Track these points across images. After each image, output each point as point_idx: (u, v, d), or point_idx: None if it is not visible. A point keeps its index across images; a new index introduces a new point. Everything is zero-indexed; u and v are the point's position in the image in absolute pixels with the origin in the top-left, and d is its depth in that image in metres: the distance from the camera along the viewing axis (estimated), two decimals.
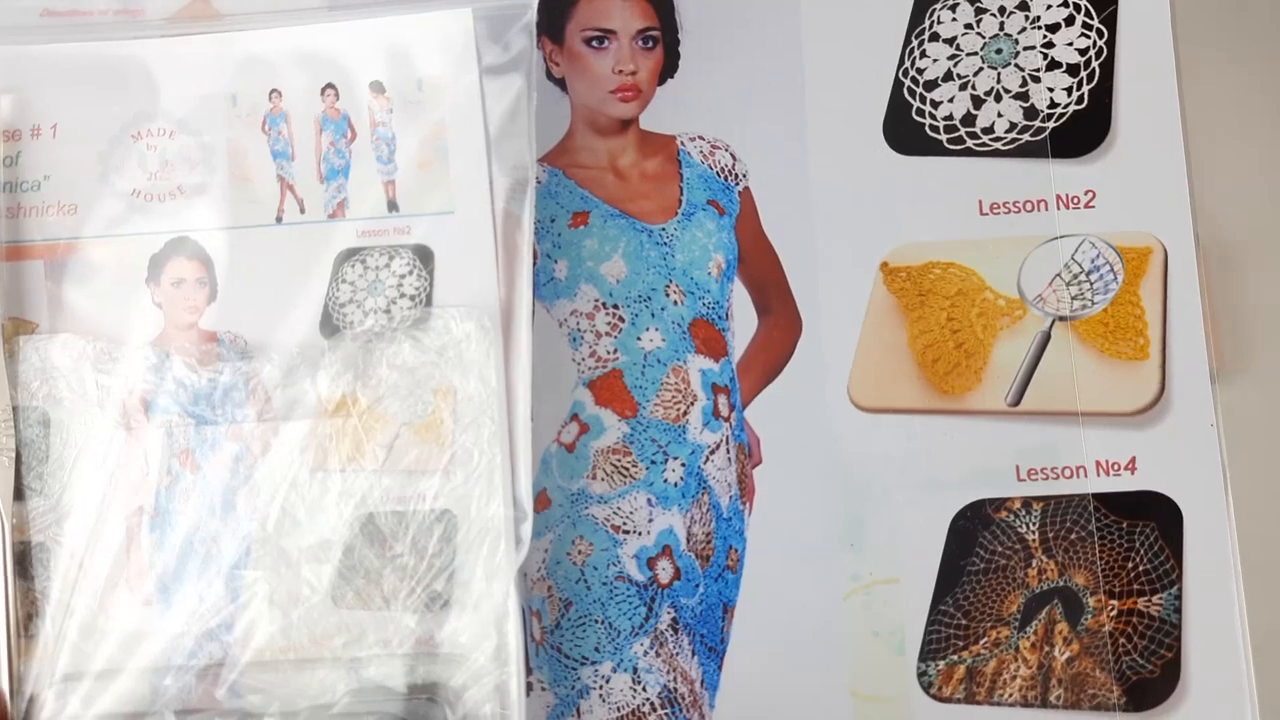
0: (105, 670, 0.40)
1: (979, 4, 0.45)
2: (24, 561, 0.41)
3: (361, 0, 0.42)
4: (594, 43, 0.45)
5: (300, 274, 0.41)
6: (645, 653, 0.43)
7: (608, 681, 0.42)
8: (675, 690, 0.42)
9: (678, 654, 0.43)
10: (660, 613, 0.43)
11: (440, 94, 0.41)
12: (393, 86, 0.41)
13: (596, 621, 0.43)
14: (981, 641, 0.42)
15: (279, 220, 0.41)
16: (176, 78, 0.41)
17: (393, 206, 0.41)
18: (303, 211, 0.41)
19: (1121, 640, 0.42)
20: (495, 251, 0.41)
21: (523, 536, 0.40)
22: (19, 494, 0.41)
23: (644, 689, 0.42)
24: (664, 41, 0.45)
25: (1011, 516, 0.43)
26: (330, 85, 0.41)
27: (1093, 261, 0.44)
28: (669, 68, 0.45)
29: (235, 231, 0.41)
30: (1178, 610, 0.42)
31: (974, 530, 0.43)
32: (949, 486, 0.43)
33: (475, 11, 0.40)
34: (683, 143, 0.45)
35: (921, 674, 0.42)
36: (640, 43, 0.45)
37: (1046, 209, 0.44)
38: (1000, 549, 0.43)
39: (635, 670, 0.42)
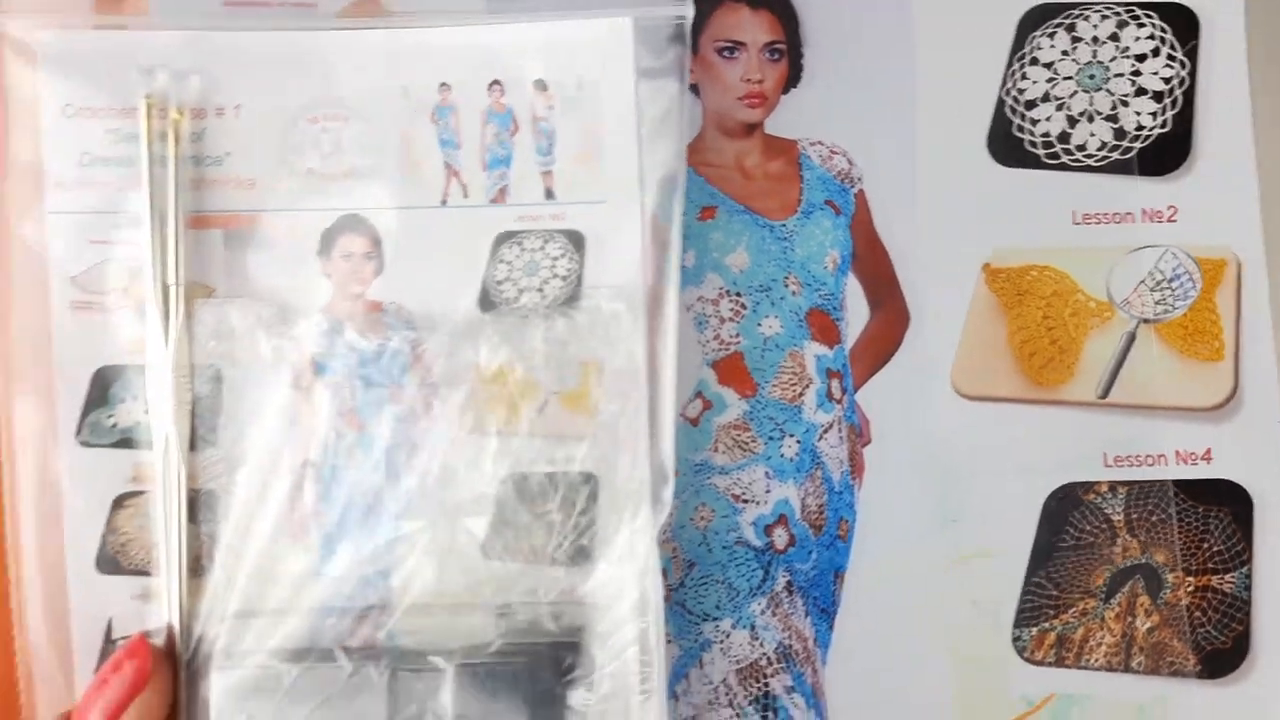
0: (272, 610, 0.43)
1: (1075, 33, 0.49)
2: (194, 507, 0.44)
3: (519, 7, 0.45)
4: (725, 53, 0.48)
5: (461, 253, 0.45)
6: (762, 611, 0.46)
7: (728, 636, 0.46)
8: (790, 647, 0.46)
9: (792, 614, 0.46)
10: (776, 575, 0.47)
11: (598, 93, 0.44)
12: (555, 85, 0.44)
13: (717, 582, 0.46)
14: (1070, 611, 0.46)
15: (444, 203, 0.45)
16: (351, 68, 0.44)
17: (549, 194, 0.45)
18: (466, 196, 0.45)
19: (1197, 614, 0.46)
20: (642, 239, 0.44)
21: (664, 499, 0.44)
22: (192, 444, 0.44)
23: (761, 644, 0.46)
24: (789, 54, 0.49)
25: (1099, 499, 0.47)
26: (497, 81, 0.44)
27: (1174, 270, 0.48)
28: (793, 78, 0.49)
29: (403, 211, 0.45)
30: (1248, 588, 0.46)
31: (1065, 510, 0.47)
32: (1042, 470, 0.47)
33: (635, 20, 0.44)
34: (804, 147, 0.49)
35: (1016, 639, 0.46)
36: (767, 54, 0.49)
37: (1133, 221, 0.48)
38: (1088, 528, 0.47)
39: (753, 627, 0.46)
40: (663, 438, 0.44)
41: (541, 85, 0.45)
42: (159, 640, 0.43)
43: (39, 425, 0.44)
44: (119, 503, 0.44)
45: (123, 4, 0.44)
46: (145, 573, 0.44)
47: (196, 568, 0.44)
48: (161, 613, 0.43)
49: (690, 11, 0.44)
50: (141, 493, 0.44)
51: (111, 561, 0.44)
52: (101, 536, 0.44)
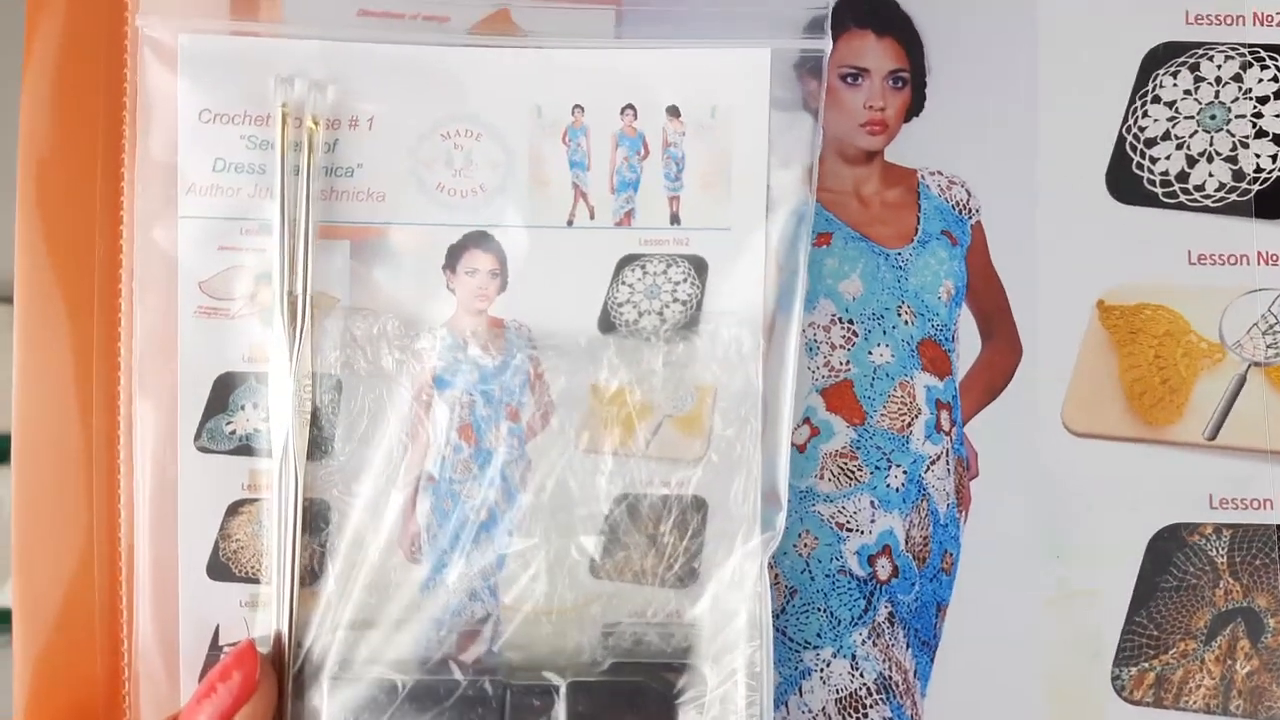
0: (385, 622, 0.43)
1: (1198, 73, 0.49)
2: (308, 516, 0.44)
3: (648, 31, 0.45)
4: (848, 79, 0.48)
5: (585, 274, 0.45)
6: (863, 642, 0.47)
7: (828, 665, 0.46)
8: (890, 678, 0.46)
9: (893, 645, 0.47)
10: (878, 606, 0.47)
11: (731, 122, 0.44)
12: (687, 112, 0.44)
13: (819, 610, 0.47)
14: (1171, 652, 0.47)
15: (570, 224, 0.45)
16: (485, 85, 0.44)
17: (675, 220, 0.45)
18: (592, 218, 0.45)
19: None
20: (765, 268, 0.45)
21: (776, 526, 0.44)
22: (310, 453, 0.44)
23: (861, 675, 0.46)
24: (912, 83, 0.48)
25: (1203, 541, 0.47)
26: (630, 105, 0.44)
27: None
28: (915, 107, 0.49)
29: (529, 230, 0.45)
30: None
31: (1169, 551, 0.47)
32: (1148, 509, 0.47)
33: (773, 52, 0.44)
34: (923, 176, 0.49)
35: (1115, 678, 0.47)
36: (891, 82, 0.48)
37: (1248, 264, 0.48)
38: (1192, 569, 0.47)
39: (854, 657, 0.46)
40: (778, 464, 0.44)
41: (674, 111, 0.44)
42: (266, 649, 0.43)
43: (159, 429, 0.44)
44: (234, 509, 0.44)
45: (258, 10, 0.44)
46: (255, 580, 0.44)
47: (307, 577, 0.44)
48: (269, 621, 0.44)
49: (828, 46, 0.44)
50: (256, 500, 0.44)
51: (222, 567, 0.44)
52: (214, 542, 0.44)
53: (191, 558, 0.44)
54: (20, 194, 0.44)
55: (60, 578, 0.44)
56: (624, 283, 0.45)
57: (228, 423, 0.44)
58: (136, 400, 0.44)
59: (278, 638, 0.43)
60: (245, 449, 0.44)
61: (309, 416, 0.44)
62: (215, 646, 0.44)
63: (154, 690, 0.44)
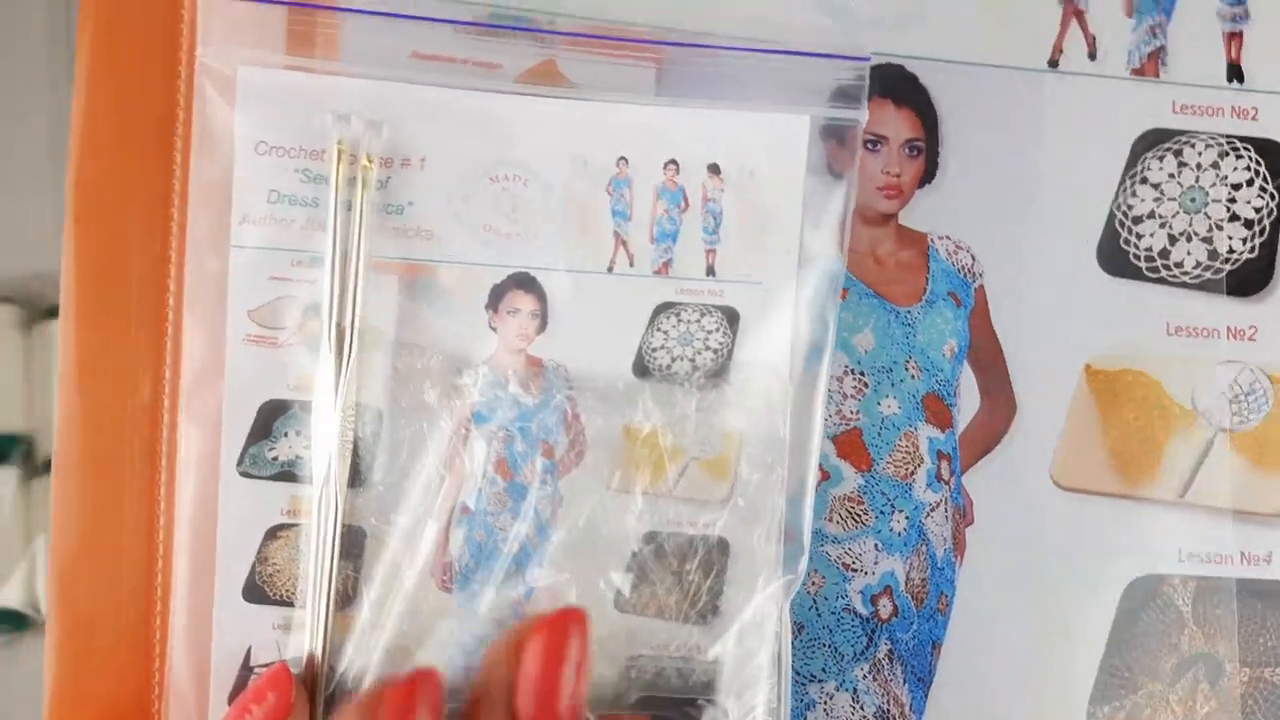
0: (413, 647, 0.45)
1: (1181, 158, 0.53)
2: (345, 543, 0.45)
3: (687, 88, 0.48)
4: (869, 145, 0.51)
5: (622, 319, 0.47)
6: (864, 676, 0.49)
7: (831, 698, 0.49)
8: (888, 711, 0.49)
9: (892, 681, 0.50)
10: (879, 643, 0.50)
11: (768, 183, 0.47)
12: (727, 170, 0.47)
13: (824, 645, 0.49)
14: (1140, 692, 0.51)
15: (610, 270, 0.47)
16: (533, 133, 0.46)
17: (710, 271, 0.47)
18: (632, 265, 0.47)
19: (1250, 701, 0.51)
20: (794, 322, 0.47)
21: (799, 569, 0.46)
22: (350, 482, 0.45)
23: (861, 708, 0.49)
24: (926, 152, 0.52)
25: (1171, 591, 0.51)
26: (673, 161, 0.47)
27: (1250, 386, 0.53)
28: (928, 174, 0.52)
29: (570, 274, 0.46)
30: None
31: (1142, 599, 0.51)
32: (1124, 560, 0.51)
33: (812, 119, 0.47)
34: (933, 240, 0.52)
35: (1090, 715, 0.50)
36: (907, 150, 0.52)
37: (1218, 337, 0.53)
38: (1161, 617, 0.51)
39: (855, 691, 0.49)
40: (803, 510, 0.47)
41: (715, 169, 0.47)
42: (298, 670, 0.44)
43: (203, 453, 0.44)
44: (272, 533, 0.45)
45: (314, 45, 0.45)
46: (289, 603, 0.45)
47: (341, 602, 0.45)
48: (301, 644, 0.45)
49: (864, 117, 0.47)
50: (295, 525, 0.45)
51: (258, 590, 0.45)
52: (252, 565, 0.45)
53: (228, 580, 0.45)
54: (68, 215, 0.45)
55: (95, 596, 0.45)
56: (659, 329, 0.47)
57: (270, 449, 0.45)
58: (181, 424, 0.44)
59: (310, 660, 0.44)
60: (287, 475, 0.45)
61: (351, 446, 0.45)
62: (247, 667, 0.45)
63: (184, 710, 0.44)
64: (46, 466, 0.80)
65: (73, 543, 0.45)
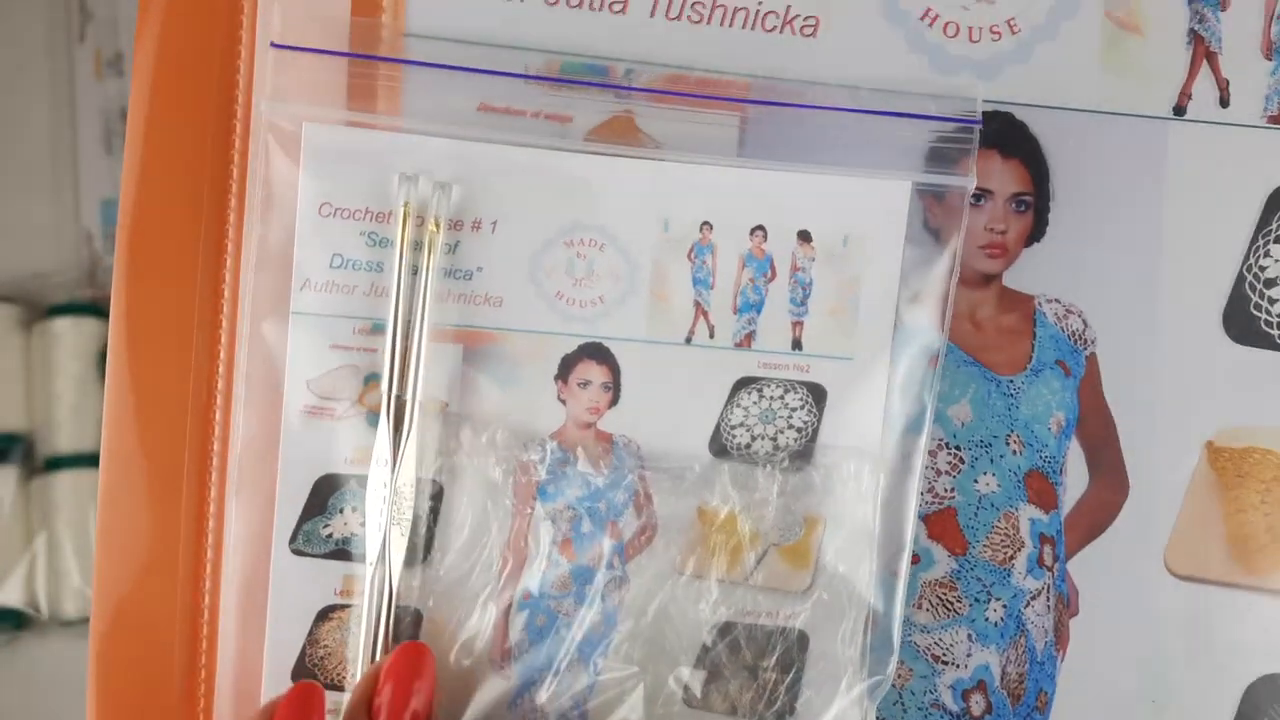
0: None
1: None
2: (399, 625, 0.43)
3: (774, 144, 0.44)
4: (971, 199, 0.47)
5: (699, 393, 0.43)
6: None
7: None
8: None
9: None
10: None
11: (864, 251, 0.43)
12: (819, 237, 0.43)
13: None
14: None
15: (688, 341, 0.43)
16: (611, 195, 0.43)
17: (797, 345, 0.44)
18: (712, 336, 0.44)
19: None
20: (886, 402, 0.43)
21: (887, 671, 0.43)
22: (407, 561, 0.43)
23: None
24: (1035, 207, 0.47)
25: None
26: (760, 227, 0.43)
27: None
28: (1037, 232, 0.47)
29: (645, 345, 0.43)
30: None
31: (1265, 700, 0.47)
32: (1246, 657, 0.47)
33: (914, 185, 0.43)
34: (1040, 303, 0.48)
35: None
36: (1013, 205, 0.47)
37: None
38: None
39: None
40: (894, 605, 0.43)
41: (805, 236, 0.43)
42: None
43: (255, 528, 0.42)
44: (324, 614, 0.43)
45: (376, 100, 0.42)
46: (340, 688, 0.43)
47: None
48: None
49: (972, 183, 0.43)
50: (348, 606, 0.43)
51: (308, 674, 0.43)
52: (302, 648, 0.43)
53: (277, 662, 0.43)
54: (115, 274, 0.43)
55: (139, 674, 0.43)
56: (739, 405, 0.44)
57: (324, 526, 0.43)
58: (231, 498, 0.42)
59: None
60: (341, 553, 0.43)
61: (408, 523, 0.43)
62: None
63: None
64: (46, 465, 0.81)
65: (113, 622, 0.43)
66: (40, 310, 0.82)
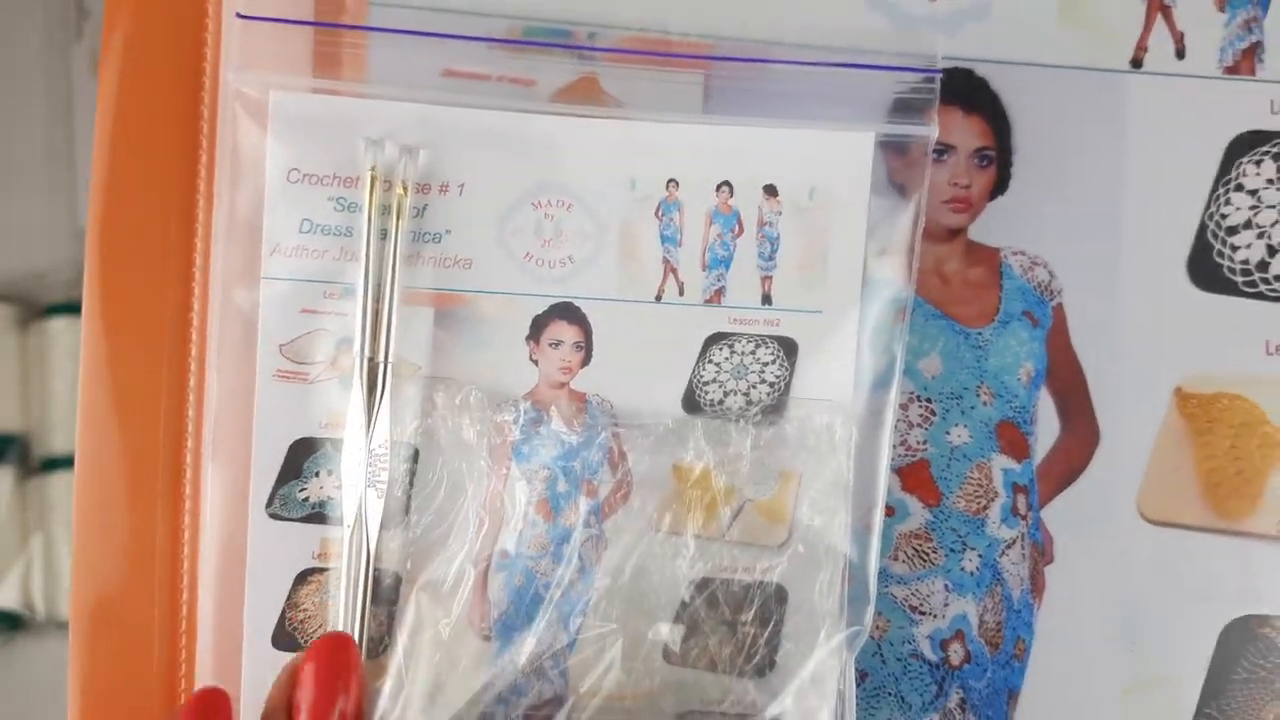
0: (448, 696, 0.42)
1: None
2: (378, 587, 0.43)
3: (738, 103, 0.44)
4: (934, 155, 0.48)
5: (671, 351, 0.44)
6: None
7: None
8: None
9: None
10: (950, 692, 0.46)
11: (829, 204, 0.44)
12: (785, 192, 0.44)
13: (890, 694, 0.46)
14: None
15: (658, 299, 0.44)
16: (577, 155, 0.43)
17: (766, 300, 0.44)
18: (681, 294, 0.44)
19: None
20: (857, 354, 0.44)
21: (864, 620, 0.43)
22: (383, 523, 0.43)
23: None
24: (998, 161, 0.48)
25: (1274, 634, 0.47)
26: (726, 183, 0.44)
27: None
28: (1000, 186, 0.48)
29: (616, 304, 0.44)
30: None
31: (1240, 643, 0.47)
32: (1220, 600, 0.47)
33: (878, 136, 0.43)
34: (1005, 256, 0.48)
35: None
36: (976, 160, 0.48)
37: None
38: (1262, 662, 0.47)
39: None
40: (869, 557, 0.43)
41: (771, 190, 0.44)
42: None
43: (231, 494, 0.43)
44: (303, 577, 0.43)
45: (341, 66, 0.43)
46: None
47: (375, 649, 0.43)
48: None
49: (935, 133, 0.43)
50: (326, 569, 0.43)
51: (288, 637, 0.43)
52: (281, 611, 0.43)
53: (257, 626, 0.43)
54: (89, 246, 0.43)
55: (119, 642, 0.43)
56: (711, 361, 0.44)
57: (301, 489, 0.43)
58: (208, 464, 0.43)
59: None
60: (318, 516, 0.43)
61: (384, 486, 0.43)
62: None
63: None
64: (42, 466, 0.81)
65: (97, 587, 0.43)
66: (36, 310, 0.82)
